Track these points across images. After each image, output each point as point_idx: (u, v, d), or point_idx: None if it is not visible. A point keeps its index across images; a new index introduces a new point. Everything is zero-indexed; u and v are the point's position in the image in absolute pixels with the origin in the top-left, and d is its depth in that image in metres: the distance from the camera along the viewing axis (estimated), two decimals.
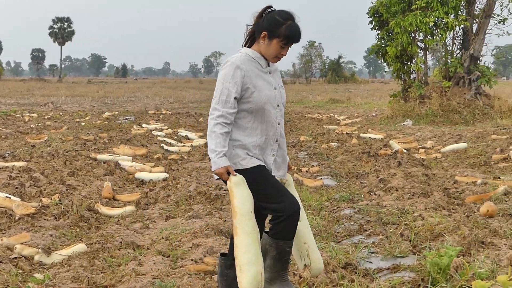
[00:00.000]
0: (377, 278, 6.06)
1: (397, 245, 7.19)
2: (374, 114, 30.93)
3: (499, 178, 11.96)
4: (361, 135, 21.02)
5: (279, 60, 4.99)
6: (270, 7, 4.93)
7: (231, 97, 4.72)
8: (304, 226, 5.18)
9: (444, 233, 7.55)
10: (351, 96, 50.38)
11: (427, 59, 28.94)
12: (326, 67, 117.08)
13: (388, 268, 6.47)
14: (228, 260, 5.12)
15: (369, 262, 6.75)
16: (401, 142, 18.27)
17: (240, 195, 4.74)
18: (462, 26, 27.09)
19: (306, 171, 13.54)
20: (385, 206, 9.46)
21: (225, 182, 4.78)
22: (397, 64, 28.15)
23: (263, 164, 4.92)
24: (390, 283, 5.82)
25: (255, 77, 4.83)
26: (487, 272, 5.82)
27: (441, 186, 11.11)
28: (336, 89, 71.35)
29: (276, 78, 5.06)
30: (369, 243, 7.41)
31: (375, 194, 10.68)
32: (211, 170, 4.87)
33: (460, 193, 10.37)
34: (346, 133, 21.99)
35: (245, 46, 5.04)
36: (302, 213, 5.13)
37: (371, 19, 29.99)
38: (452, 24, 26.20)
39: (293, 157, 16.09)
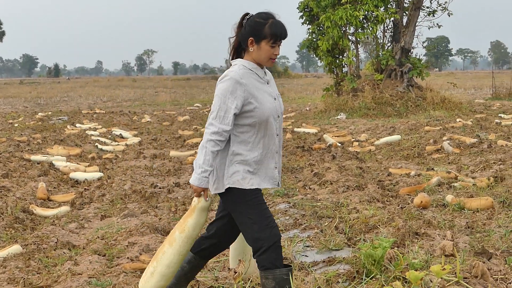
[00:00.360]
0: (312, 271, 6.12)
1: (332, 238, 7.26)
2: (308, 109, 31.11)
3: (432, 169, 12.17)
4: (295, 129, 21.13)
5: (274, 61, 4.87)
6: (247, 14, 4.84)
7: (229, 113, 4.58)
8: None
9: (379, 225, 7.66)
10: (285, 91, 50.62)
11: (359, 53, 29.30)
12: None
13: (324, 261, 6.54)
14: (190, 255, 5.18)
15: (305, 256, 6.81)
16: (335, 136, 18.45)
17: (198, 220, 4.82)
18: (392, 19, 27.49)
19: None
20: (320, 200, 9.55)
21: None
22: (329, 58, 28.36)
23: (260, 187, 4.77)
24: (325, 276, 5.88)
25: (256, 90, 4.70)
26: (421, 262, 5.92)
27: (375, 179, 11.26)
28: None
29: (273, 87, 4.94)
30: (304, 237, 7.47)
31: (310, 188, 10.76)
32: (189, 181, 4.79)
33: (394, 185, 10.54)
34: None
35: (232, 59, 4.93)
36: None
37: (301, 13, 30.14)
38: (382, 17, 26.52)
39: None
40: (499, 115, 23.80)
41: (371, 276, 5.76)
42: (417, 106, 25.74)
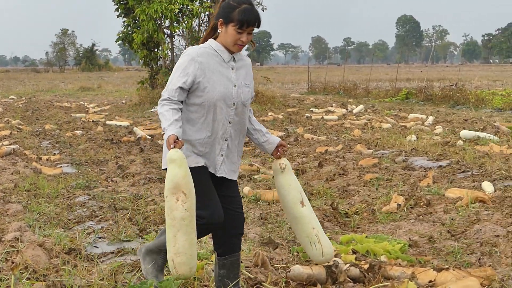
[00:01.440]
0: (99, 263, 6.12)
1: (125, 229, 7.30)
2: (123, 102, 30.94)
3: None
4: (108, 122, 20.97)
5: (241, 48, 4.70)
6: None
7: (175, 86, 4.52)
8: (309, 211, 4.95)
9: None
10: (103, 84, 50.02)
11: (174, 46, 29.36)
12: (80, 55, 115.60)
13: (113, 252, 6.57)
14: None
15: (96, 247, 6.81)
16: (147, 129, 18.45)
17: (170, 173, 4.37)
18: (207, 12, 27.72)
19: (47, 160, 13.29)
20: (120, 192, 9.55)
21: None
22: (144, 51, 28.34)
23: (206, 166, 4.67)
24: (111, 267, 5.90)
25: (211, 72, 4.60)
26: (207, 252, 6.07)
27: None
28: (89, 77, 70.48)
29: (240, 75, 4.78)
30: (98, 228, 7.45)
31: (112, 180, 10.72)
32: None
33: None
34: (93, 121, 21.81)
35: (206, 38, 4.81)
36: (305, 197, 4.96)
37: (117, 6, 29.89)
38: (197, 11, 26.76)
39: (36, 146, 15.73)
40: (311, 109, 24.65)
41: None
42: None
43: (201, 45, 4.74)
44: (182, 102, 4.60)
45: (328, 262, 5.11)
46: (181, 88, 4.54)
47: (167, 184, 4.35)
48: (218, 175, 4.74)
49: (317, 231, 4.89)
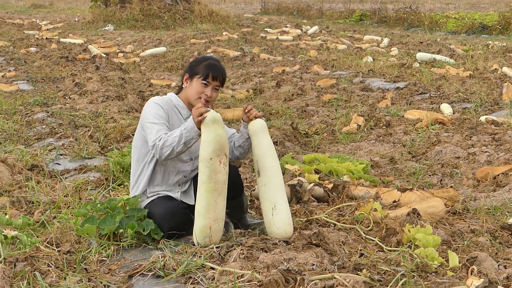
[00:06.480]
0: (62, 179, 6.10)
1: (86, 146, 7.27)
2: (76, 19, 30.36)
3: None
4: (61, 40, 20.58)
5: (204, 103, 4.55)
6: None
7: (159, 134, 4.45)
8: (263, 183, 4.58)
9: (132, 134, 7.73)
10: (54, 2, 48.88)
11: None
12: None
13: (75, 169, 6.56)
14: None
15: (58, 164, 6.78)
16: (101, 47, 18.20)
17: (205, 138, 4.31)
18: None
19: (2, 76, 13.08)
20: (78, 109, 9.46)
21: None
22: None
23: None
24: (74, 183, 5.90)
25: (171, 124, 4.60)
26: None
27: (136, 89, 11.29)
28: None
29: None
30: (59, 145, 7.40)
31: (70, 98, 10.60)
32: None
33: (153, 95, 10.60)
34: (46, 38, 21.40)
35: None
36: (266, 165, 4.59)
37: None
38: None
39: None
40: (265, 29, 24.49)
41: (118, 183, 5.87)
42: (185, 19, 25.88)
43: (162, 96, 4.79)
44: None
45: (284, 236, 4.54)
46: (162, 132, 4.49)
47: (211, 146, 4.28)
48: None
49: (262, 207, 4.63)
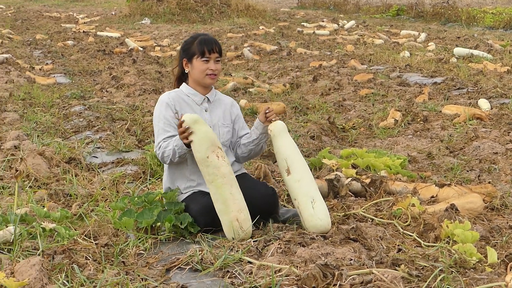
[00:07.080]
0: (100, 172, 6.13)
1: (123, 140, 7.29)
2: (113, 13, 30.47)
3: (230, 74, 12.40)
4: (98, 33, 20.68)
5: (213, 78, 4.72)
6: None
7: (162, 137, 4.62)
8: (294, 180, 4.56)
9: None
10: None
11: None
12: None
13: (113, 162, 6.59)
14: None
15: (95, 157, 6.82)
16: (138, 41, 18.25)
17: (200, 133, 4.38)
18: None
19: (40, 69, 13.21)
20: (115, 102, 9.50)
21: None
22: None
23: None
24: (112, 176, 5.93)
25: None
26: None
27: (173, 83, 11.30)
28: None
29: (215, 116, 4.80)
30: (96, 138, 7.44)
31: (107, 91, 10.67)
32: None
33: None
34: (84, 31, 21.54)
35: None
36: (295, 163, 4.60)
37: None
38: None
39: (28, 55, 15.63)
40: (302, 24, 24.39)
41: (156, 177, 5.88)
42: (221, 13, 25.88)
43: (173, 90, 4.87)
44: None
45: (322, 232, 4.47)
46: (167, 136, 4.60)
47: (202, 145, 4.35)
48: None
49: (298, 203, 4.53)
